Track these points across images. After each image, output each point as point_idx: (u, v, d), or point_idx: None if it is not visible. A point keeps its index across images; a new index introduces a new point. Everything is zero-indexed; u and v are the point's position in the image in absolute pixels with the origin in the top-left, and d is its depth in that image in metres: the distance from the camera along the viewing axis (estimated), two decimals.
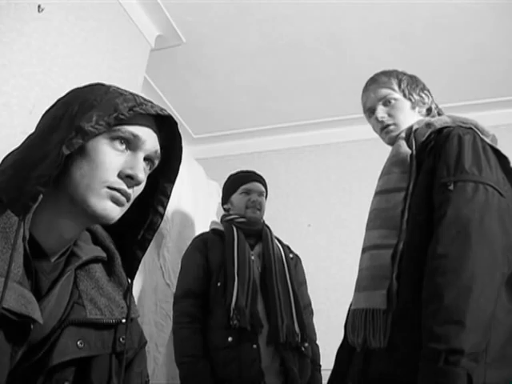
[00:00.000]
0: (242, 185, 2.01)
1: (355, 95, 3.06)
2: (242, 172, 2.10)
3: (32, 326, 0.69)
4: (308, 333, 1.83)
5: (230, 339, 1.65)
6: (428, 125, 1.28)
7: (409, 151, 1.26)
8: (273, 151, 3.52)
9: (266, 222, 2.06)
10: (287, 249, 2.01)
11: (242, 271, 1.76)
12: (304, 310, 1.88)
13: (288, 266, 1.89)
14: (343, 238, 3.00)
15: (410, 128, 1.33)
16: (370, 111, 1.43)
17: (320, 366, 1.88)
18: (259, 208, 1.97)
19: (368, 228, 1.26)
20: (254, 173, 2.08)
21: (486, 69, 2.74)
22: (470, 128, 1.21)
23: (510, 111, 3.00)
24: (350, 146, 3.33)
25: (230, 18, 2.48)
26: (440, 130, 1.25)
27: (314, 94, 3.07)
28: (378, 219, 1.22)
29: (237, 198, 2.00)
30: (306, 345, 1.76)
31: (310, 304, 1.98)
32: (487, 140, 1.19)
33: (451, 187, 1.09)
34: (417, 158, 1.24)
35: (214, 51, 2.73)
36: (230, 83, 3.00)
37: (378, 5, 2.38)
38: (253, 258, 1.86)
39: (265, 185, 2.06)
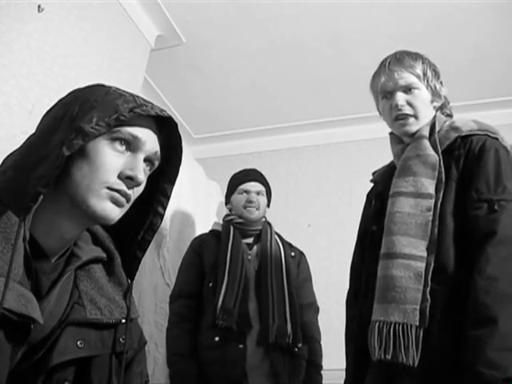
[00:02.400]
0: (239, 185, 2.01)
1: (355, 95, 3.08)
2: (240, 172, 2.10)
3: (32, 326, 0.69)
4: (310, 332, 1.82)
5: (216, 339, 1.67)
6: (454, 128, 1.24)
7: (437, 156, 1.20)
8: (273, 151, 3.52)
9: None
10: (288, 247, 1.99)
11: (233, 271, 1.76)
12: (307, 308, 1.87)
13: (286, 265, 1.87)
14: (343, 237, 2.99)
15: (433, 127, 1.27)
16: (386, 93, 1.31)
17: (321, 366, 1.86)
18: (257, 207, 1.96)
19: (391, 232, 1.17)
20: (252, 172, 2.07)
21: (486, 69, 2.74)
22: (497, 138, 1.20)
23: (510, 111, 3.00)
24: (350, 146, 3.33)
25: (229, 18, 2.48)
26: (465, 136, 1.21)
27: (314, 94, 3.07)
28: (403, 224, 1.16)
29: (236, 198, 2.01)
30: (300, 345, 1.74)
31: (314, 302, 1.95)
32: (510, 150, 1.20)
33: (496, 207, 1.08)
34: (442, 163, 1.20)
35: (214, 51, 2.73)
36: (230, 83, 3.00)
37: (378, 5, 2.38)
38: (250, 257, 1.86)
39: (264, 183, 2.05)
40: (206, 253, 1.89)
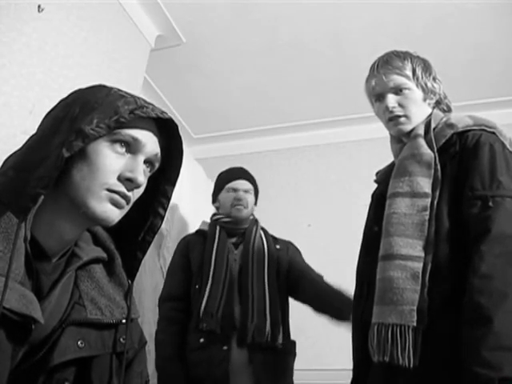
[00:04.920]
0: (227, 183, 1.98)
1: (355, 95, 3.08)
2: (228, 170, 2.08)
3: (33, 326, 0.69)
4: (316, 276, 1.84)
5: (201, 340, 1.67)
6: (449, 125, 1.22)
7: (432, 154, 1.19)
8: (273, 151, 3.52)
9: (266, 222, 2.04)
10: (272, 241, 1.96)
11: (217, 273, 1.76)
12: (319, 277, 1.87)
13: (269, 260, 1.85)
14: (343, 237, 2.99)
15: (428, 125, 1.26)
16: (377, 96, 1.33)
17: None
18: (245, 206, 1.94)
19: (388, 234, 1.16)
20: (239, 170, 2.05)
21: (486, 69, 2.74)
22: (494, 133, 1.19)
23: (510, 111, 3.00)
24: (350, 146, 3.33)
25: (230, 17, 2.48)
26: (462, 132, 1.20)
27: (314, 94, 3.07)
28: (400, 225, 1.15)
29: (223, 196, 1.98)
30: (280, 341, 1.72)
31: (314, 271, 1.92)
32: (507, 144, 1.18)
33: (490, 203, 1.06)
34: (438, 161, 1.18)
35: (214, 51, 2.73)
36: (230, 83, 3.00)
37: (378, 5, 2.38)
38: (235, 258, 1.85)
39: (252, 181, 2.03)
40: (192, 254, 1.87)
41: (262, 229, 2.00)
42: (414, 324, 1.05)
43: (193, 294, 1.79)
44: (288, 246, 2.01)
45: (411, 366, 1.03)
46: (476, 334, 0.96)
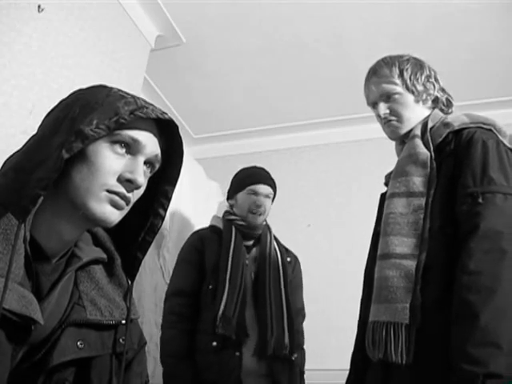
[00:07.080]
0: (249, 185, 1.91)
1: (355, 95, 3.07)
2: (252, 169, 2.00)
3: (33, 327, 0.69)
4: (297, 340, 1.82)
5: (214, 344, 1.65)
6: (445, 124, 1.23)
7: (428, 153, 1.20)
8: (273, 151, 3.52)
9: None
10: (285, 252, 1.95)
11: (234, 277, 1.73)
12: (297, 314, 1.86)
13: (284, 272, 1.85)
14: (343, 237, 3.00)
15: (425, 125, 1.27)
16: (372, 105, 1.39)
17: (303, 372, 1.85)
18: (263, 212, 1.89)
19: (385, 233, 1.18)
20: (264, 173, 1.98)
21: (486, 69, 2.74)
22: (490, 130, 1.19)
23: (510, 111, 3.00)
24: (350, 146, 3.33)
25: (230, 17, 2.48)
26: (458, 131, 1.21)
27: (314, 94, 3.07)
28: (396, 224, 1.17)
29: (242, 197, 1.91)
30: (295, 355, 1.74)
31: (302, 308, 1.94)
32: (505, 142, 1.18)
33: (480, 200, 1.06)
34: (434, 160, 1.19)
35: (214, 51, 2.73)
36: (230, 83, 3.00)
37: (378, 5, 2.38)
38: (247, 262, 1.82)
39: (273, 186, 1.97)
40: (207, 251, 1.83)
41: (275, 237, 1.98)
42: (407, 321, 1.06)
43: (204, 292, 1.76)
44: (296, 262, 2.00)
45: (404, 363, 1.04)
46: (463, 330, 0.97)
